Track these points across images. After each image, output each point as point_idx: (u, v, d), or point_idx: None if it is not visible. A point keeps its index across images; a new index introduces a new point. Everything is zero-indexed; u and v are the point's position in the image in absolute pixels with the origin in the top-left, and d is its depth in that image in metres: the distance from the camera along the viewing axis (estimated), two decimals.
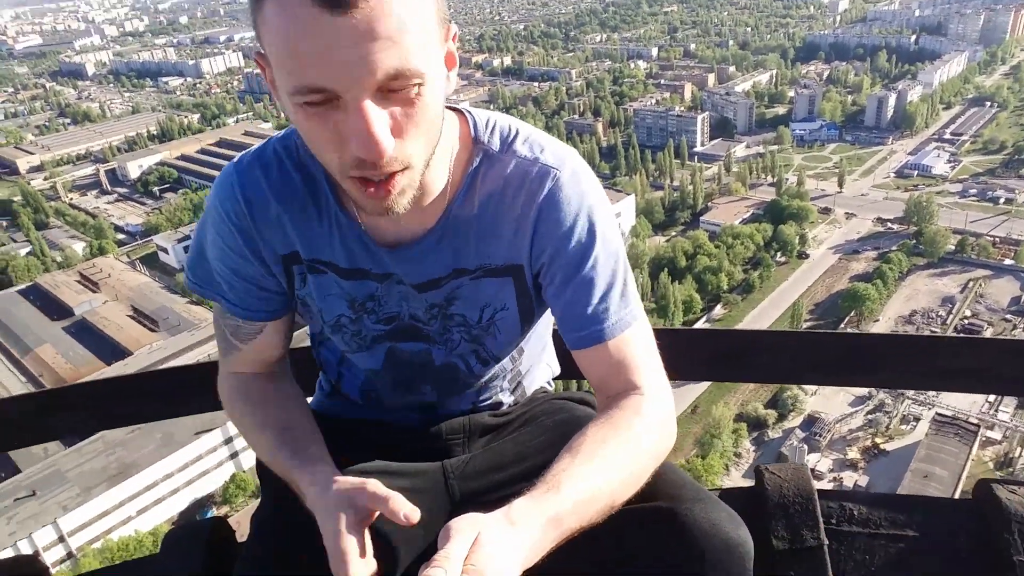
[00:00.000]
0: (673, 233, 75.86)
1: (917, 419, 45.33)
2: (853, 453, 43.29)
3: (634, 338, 1.10)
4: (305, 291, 1.16)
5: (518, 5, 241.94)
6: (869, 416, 46.22)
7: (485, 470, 1.21)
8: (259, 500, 1.25)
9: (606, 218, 1.09)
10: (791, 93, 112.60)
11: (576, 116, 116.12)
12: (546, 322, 1.30)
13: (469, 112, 1.12)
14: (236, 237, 1.09)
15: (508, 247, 1.10)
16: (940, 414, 43.93)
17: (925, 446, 40.80)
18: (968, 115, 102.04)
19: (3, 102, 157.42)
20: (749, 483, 1.48)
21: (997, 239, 68.61)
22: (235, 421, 1.18)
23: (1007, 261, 64.91)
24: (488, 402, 1.31)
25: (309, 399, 1.34)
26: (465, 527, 0.79)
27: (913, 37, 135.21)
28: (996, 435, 43.54)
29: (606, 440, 0.97)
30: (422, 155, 0.91)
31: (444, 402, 1.27)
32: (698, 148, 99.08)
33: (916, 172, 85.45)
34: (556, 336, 1.37)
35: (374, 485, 0.90)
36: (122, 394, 1.94)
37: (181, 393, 1.91)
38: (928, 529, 1.40)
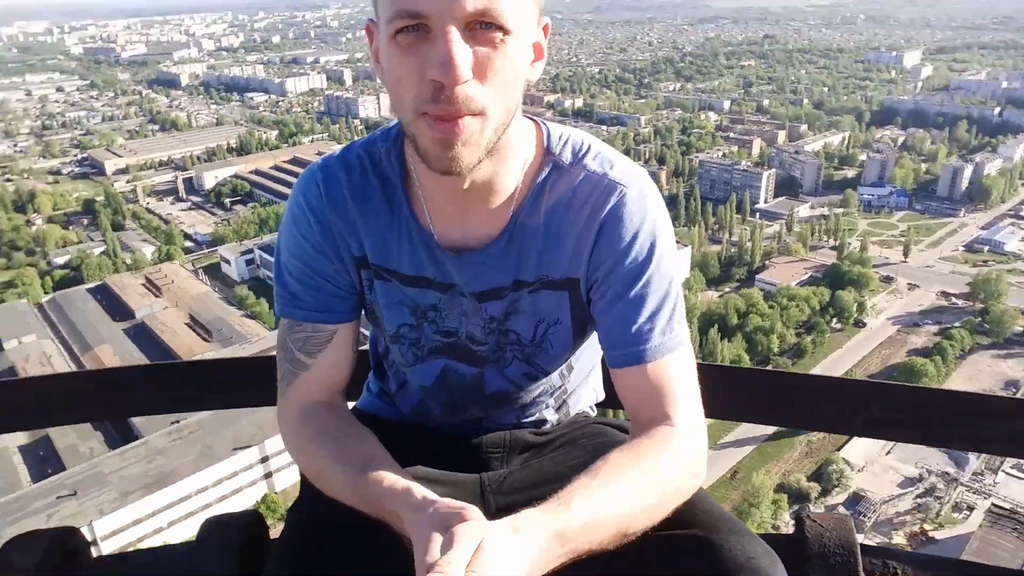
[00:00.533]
0: (727, 289, 74.80)
1: (971, 508, 43.05)
2: (899, 538, 41.31)
3: (674, 365, 1.10)
4: (371, 297, 1.20)
5: (596, 49, 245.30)
6: (919, 500, 44.14)
7: (522, 487, 1.23)
8: (296, 497, 1.27)
9: (667, 241, 1.10)
10: (863, 156, 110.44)
11: (641, 163, 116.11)
12: (597, 343, 1.28)
13: (544, 124, 1.16)
14: (316, 231, 1.14)
15: (568, 260, 1.12)
16: (997, 505, 41.66)
17: (978, 538, 38.53)
18: None
19: (103, 106, 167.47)
20: (788, 531, 1.47)
21: None
22: (303, 453, 1.14)
23: None
24: (532, 419, 1.33)
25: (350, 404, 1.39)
26: (468, 533, 0.80)
27: (997, 109, 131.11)
28: None
29: (628, 467, 0.97)
30: (496, 109, 0.93)
31: (490, 417, 1.31)
32: (761, 205, 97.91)
33: (987, 247, 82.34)
34: (603, 363, 1.36)
35: (472, 513, 0.86)
36: (183, 379, 2.01)
37: (240, 384, 1.96)
38: None
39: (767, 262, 79.57)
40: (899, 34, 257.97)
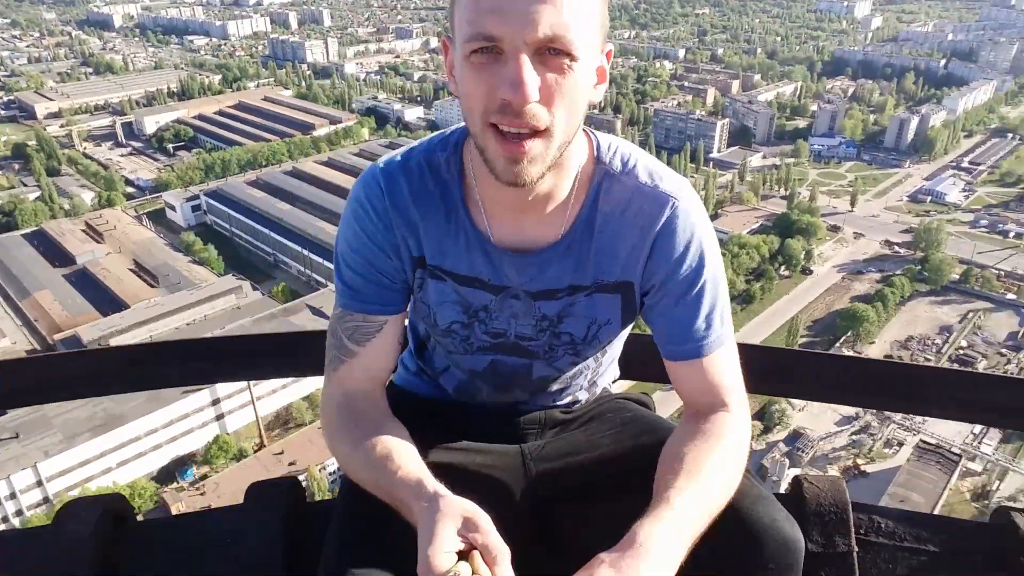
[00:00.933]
0: None
1: (901, 444, 45.36)
2: (833, 471, 43.30)
3: (725, 358, 1.23)
4: (422, 295, 1.27)
5: None
6: (854, 436, 46.26)
7: (558, 455, 1.35)
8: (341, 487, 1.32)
9: (713, 245, 1.20)
10: (814, 107, 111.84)
11: (595, 111, 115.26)
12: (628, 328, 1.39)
13: (593, 133, 1.21)
14: (378, 230, 1.21)
15: (623, 266, 1.20)
16: (924, 441, 43.95)
17: (905, 471, 40.85)
18: (989, 145, 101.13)
19: (28, 46, 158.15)
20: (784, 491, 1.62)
21: (1002, 272, 68.14)
22: (335, 437, 1.21)
23: (1009, 296, 64.50)
24: (567, 399, 1.44)
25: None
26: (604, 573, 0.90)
27: (943, 61, 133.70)
28: (977, 467, 43.58)
29: (708, 455, 1.10)
30: (561, 128, 1.01)
31: (533, 399, 1.41)
32: (715, 154, 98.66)
33: (929, 198, 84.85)
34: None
35: (476, 514, 0.97)
36: (205, 354, 2.17)
37: (257, 357, 2.17)
38: (949, 547, 1.54)
39: (720, 211, 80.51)
40: None
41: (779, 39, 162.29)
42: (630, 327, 1.37)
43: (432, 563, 0.92)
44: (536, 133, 1.00)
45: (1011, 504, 1.67)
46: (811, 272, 68.90)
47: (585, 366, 1.38)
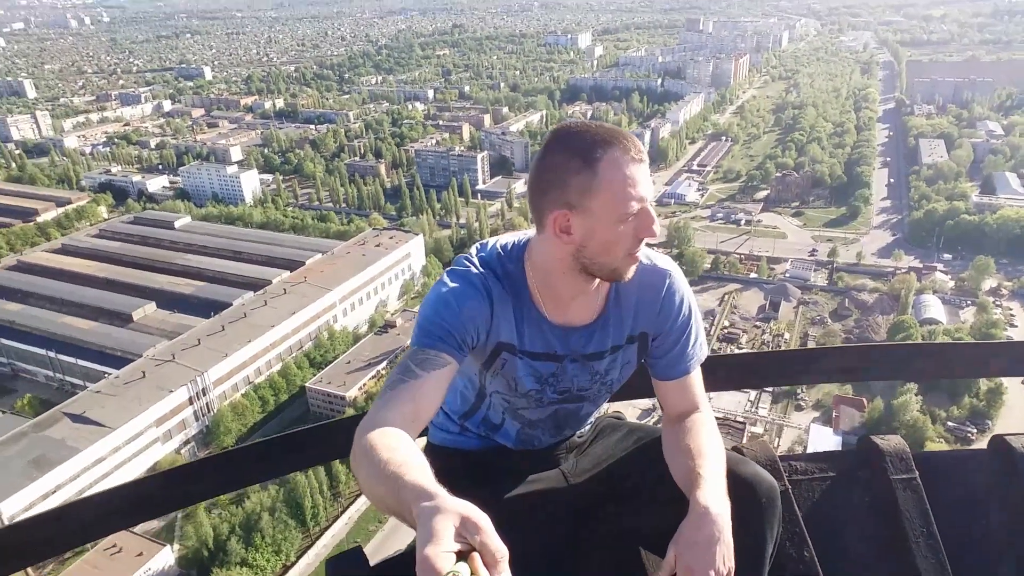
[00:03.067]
0: None
1: None
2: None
3: (697, 374, 1.75)
4: (506, 370, 1.65)
5: (287, 46, 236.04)
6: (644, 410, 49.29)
7: (589, 467, 1.84)
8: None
9: (692, 296, 1.72)
10: None
11: (357, 158, 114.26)
12: None
13: None
14: (480, 309, 1.55)
15: (641, 323, 1.68)
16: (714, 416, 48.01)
17: None
18: (709, 149, 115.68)
19: None
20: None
21: (743, 256, 77.64)
22: (364, 453, 1.28)
23: (752, 275, 73.56)
24: (590, 426, 1.92)
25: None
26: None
27: (659, 80, 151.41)
28: (759, 430, 48.65)
29: (704, 441, 1.59)
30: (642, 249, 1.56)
31: (574, 433, 1.87)
32: (480, 186, 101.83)
33: (673, 200, 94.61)
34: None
35: (475, 514, 1.00)
36: (227, 465, 2.32)
37: (288, 456, 2.32)
38: (838, 470, 2.20)
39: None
40: (569, 19, 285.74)
41: (518, 72, 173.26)
42: (638, 363, 1.79)
43: (431, 563, 0.93)
44: None
45: (874, 436, 2.30)
46: None
47: (605, 399, 1.84)
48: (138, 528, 43.60)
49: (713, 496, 1.43)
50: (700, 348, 1.73)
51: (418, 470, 1.16)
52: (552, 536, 1.61)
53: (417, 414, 1.41)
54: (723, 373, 2.43)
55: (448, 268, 1.64)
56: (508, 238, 1.67)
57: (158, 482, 2.26)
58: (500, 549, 0.98)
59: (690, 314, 1.69)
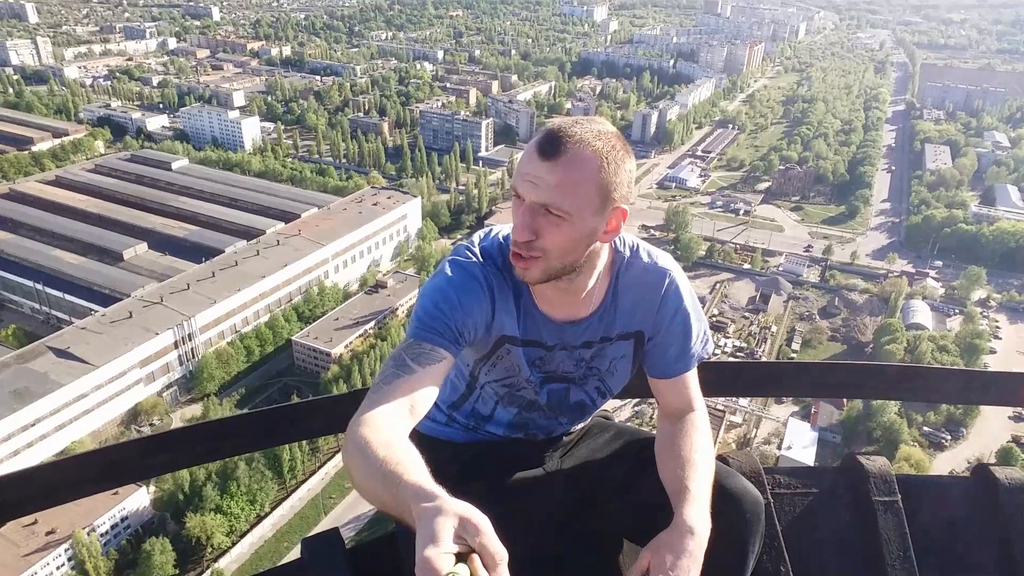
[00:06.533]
0: (459, 236, 76.30)
1: None
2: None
3: (693, 375, 1.75)
4: (510, 358, 1.66)
5: None
6: (636, 408, 49.71)
7: (573, 468, 1.82)
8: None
9: (694, 298, 1.70)
10: (568, 105, 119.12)
11: (361, 114, 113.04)
12: None
13: None
14: (480, 298, 1.55)
15: (638, 321, 1.68)
16: None
17: None
18: (715, 135, 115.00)
19: None
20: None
21: (738, 246, 77.69)
22: (357, 448, 1.26)
23: (746, 266, 73.71)
24: (581, 424, 1.92)
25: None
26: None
27: (672, 61, 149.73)
28: (737, 419, 49.21)
29: (696, 447, 1.62)
30: (554, 258, 1.45)
31: (571, 424, 1.87)
32: (483, 153, 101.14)
33: (674, 184, 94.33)
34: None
35: (475, 516, 1.00)
36: (214, 435, 2.26)
37: (265, 431, 2.29)
38: (821, 487, 2.22)
39: (494, 208, 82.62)
40: None
41: (530, 41, 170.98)
42: (638, 363, 1.77)
43: (430, 564, 0.93)
44: (532, 257, 1.45)
45: (856, 451, 2.38)
46: None
47: (604, 398, 1.82)
48: None
49: (698, 514, 1.46)
50: (701, 347, 1.72)
51: (416, 469, 1.16)
52: (533, 534, 1.59)
53: (412, 410, 1.40)
54: (713, 379, 2.41)
55: (449, 257, 1.61)
56: (511, 228, 1.59)
57: (137, 448, 2.21)
58: (500, 551, 0.98)
59: (689, 314, 1.67)
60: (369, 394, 1.41)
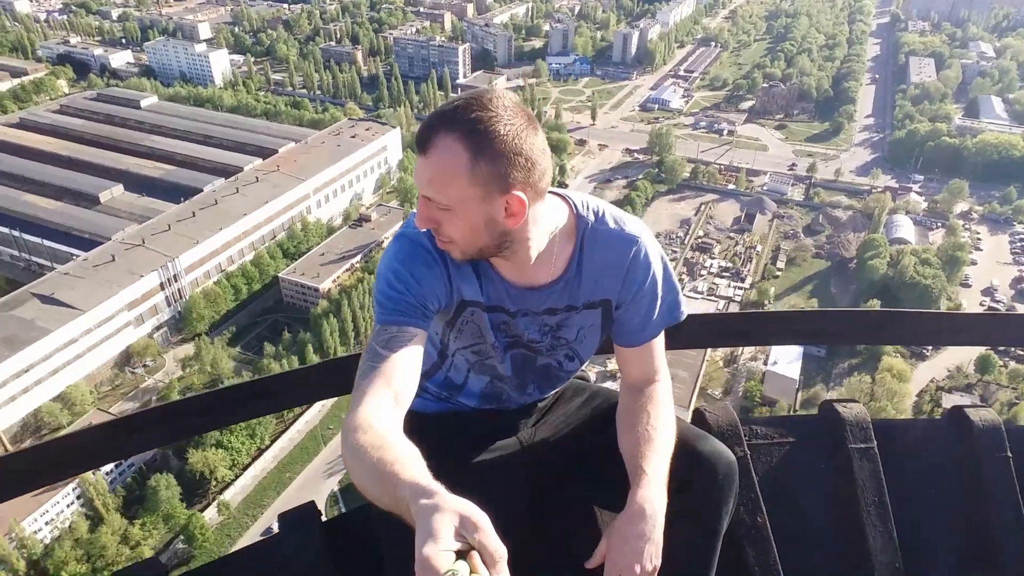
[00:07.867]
0: None
1: None
2: (612, 365, 46.98)
3: (657, 342, 1.72)
4: (475, 320, 1.62)
5: None
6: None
7: (548, 436, 1.81)
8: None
9: (664, 266, 1.65)
10: (547, 27, 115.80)
11: (333, 43, 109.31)
12: None
13: (569, 196, 1.60)
14: (432, 267, 1.52)
15: (604, 289, 1.62)
16: None
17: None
18: (697, 54, 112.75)
19: None
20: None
21: (722, 167, 77.36)
22: (352, 444, 1.26)
23: (730, 186, 73.62)
24: (561, 388, 1.90)
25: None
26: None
27: None
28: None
29: (656, 420, 1.59)
30: (462, 242, 1.43)
31: (542, 392, 1.83)
32: (460, 80, 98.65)
33: (657, 106, 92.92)
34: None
35: (475, 513, 1.00)
36: (186, 412, 2.22)
37: (229, 407, 2.23)
38: (799, 436, 2.24)
39: None
40: None
41: None
42: (608, 331, 1.74)
43: (430, 562, 0.93)
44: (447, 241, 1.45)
45: (834, 399, 2.34)
46: (566, 186, 72.47)
47: (574, 364, 1.78)
48: (116, 407, 44.16)
49: (650, 495, 1.43)
50: (668, 314, 1.69)
51: (412, 466, 1.15)
52: (506, 505, 1.47)
53: (397, 397, 1.38)
54: (696, 329, 2.39)
55: (397, 233, 1.57)
56: None
57: (109, 431, 2.13)
58: (499, 549, 0.98)
59: (656, 286, 1.63)
60: (353, 392, 1.40)
